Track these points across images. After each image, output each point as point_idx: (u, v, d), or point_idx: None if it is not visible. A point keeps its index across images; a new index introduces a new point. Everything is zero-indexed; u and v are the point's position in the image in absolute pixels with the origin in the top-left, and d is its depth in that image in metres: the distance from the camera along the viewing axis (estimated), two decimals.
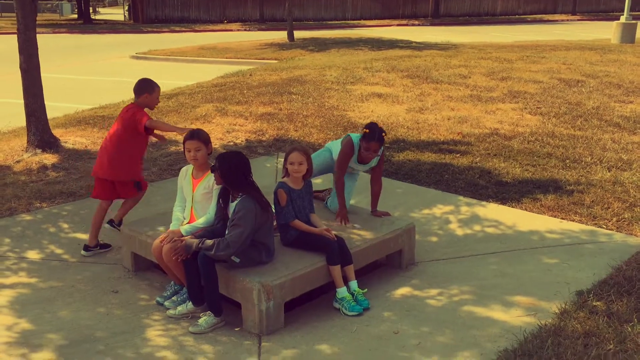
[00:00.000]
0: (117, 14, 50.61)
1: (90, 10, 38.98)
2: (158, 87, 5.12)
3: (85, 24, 35.08)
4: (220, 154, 4.07)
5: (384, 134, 4.71)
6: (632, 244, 5.00)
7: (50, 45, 21.41)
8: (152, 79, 5.16)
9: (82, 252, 5.09)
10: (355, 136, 4.85)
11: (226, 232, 4.00)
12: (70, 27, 32.02)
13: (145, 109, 5.08)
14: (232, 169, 3.98)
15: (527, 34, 25.58)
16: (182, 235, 4.22)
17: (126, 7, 44.23)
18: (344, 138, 4.93)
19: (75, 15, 43.61)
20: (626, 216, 5.54)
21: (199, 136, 4.40)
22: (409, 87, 11.34)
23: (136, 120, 4.92)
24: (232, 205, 4.05)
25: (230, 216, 4.03)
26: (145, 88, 5.02)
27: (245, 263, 4.03)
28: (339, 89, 11.20)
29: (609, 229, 5.34)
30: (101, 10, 57.35)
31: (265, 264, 4.12)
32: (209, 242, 3.93)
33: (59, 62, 16.55)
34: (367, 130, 4.67)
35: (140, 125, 4.91)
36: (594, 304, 3.96)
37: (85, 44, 23.80)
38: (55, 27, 31.34)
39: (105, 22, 38.21)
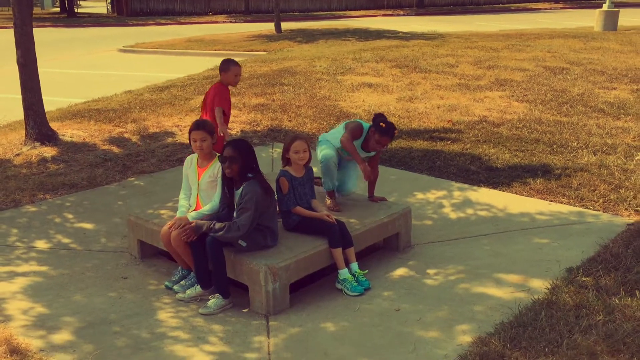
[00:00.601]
0: (99, 7, 50.13)
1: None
2: (235, 66, 5.68)
3: (69, 17, 34.84)
4: (230, 142, 4.23)
5: (396, 131, 4.90)
6: (618, 223, 5.24)
7: (37, 39, 21.28)
8: (230, 59, 5.77)
9: None
10: (365, 124, 5.00)
11: (234, 215, 4.17)
12: (54, 21, 31.79)
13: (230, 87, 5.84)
14: (248, 152, 4.18)
15: (512, 22, 25.85)
16: (189, 222, 4.39)
17: (109, 0, 43.93)
18: (348, 122, 5.08)
19: (58, 9, 43.24)
20: (612, 197, 5.78)
21: (204, 127, 4.56)
22: (398, 77, 11.52)
23: (213, 101, 5.59)
24: (237, 193, 4.22)
25: (236, 202, 4.20)
26: (222, 67, 5.67)
27: (251, 247, 4.20)
28: (330, 79, 11.36)
29: (596, 210, 5.57)
30: (82, 3, 56.66)
31: (270, 247, 4.30)
32: (218, 224, 4.11)
33: (47, 56, 16.49)
34: (384, 125, 4.80)
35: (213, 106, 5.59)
36: (583, 279, 4.19)
37: (71, 37, 23.70)
38: (38, 20, 31.07)
39: (89, 15, 37.94)
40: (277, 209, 4.66)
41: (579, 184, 6.14)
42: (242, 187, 4.17)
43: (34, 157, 7.05)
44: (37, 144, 7.31)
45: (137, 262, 4.96)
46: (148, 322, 4.01)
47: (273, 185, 4.57)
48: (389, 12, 34.61)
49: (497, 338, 3.53)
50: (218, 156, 4.43)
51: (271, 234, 4.29)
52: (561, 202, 5.77)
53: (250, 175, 4.17)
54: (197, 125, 4.58)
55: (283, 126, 8.51)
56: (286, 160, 4.63)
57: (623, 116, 8.76)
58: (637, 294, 3.93)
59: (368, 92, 10.40)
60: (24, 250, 5.02)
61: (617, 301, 3.86)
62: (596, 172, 6.44)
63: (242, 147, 4.18)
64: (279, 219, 4.65)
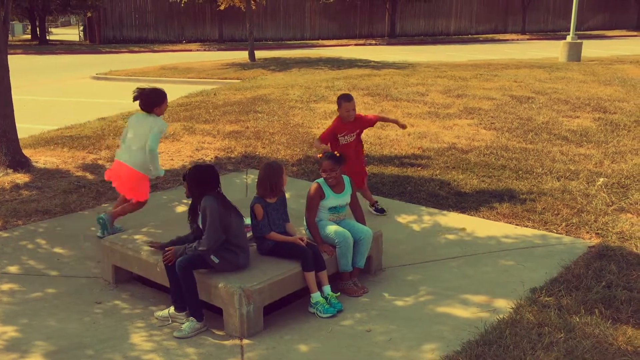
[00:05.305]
0: (71, 34, 50.08)
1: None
2: (344, 101, 6.06)
3: (41, 44, 34.70)
4: (193, 165, 4.42)
5: (337, 154, 4.97)
6: (579, 246, 5.46)
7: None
8: (343, 94, 6.25)
9: None
10: (319, 180, 5.00)
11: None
12: (25, 48, 31.64)
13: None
14: (197, 177, 4.37)
15: (480, 53, 26.57)
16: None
17: (81, 28, 43.87)
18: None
19: (29, 36, 43.08)
20: (574, 221, 6.01)
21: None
22: (370, 105, 11.78)
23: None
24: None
25: (200, 222, 4.35)
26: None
27: (223, 265, 4.31)
28: (303, 107, 11.56)
29: (559, 233, 5.79)
30: (54, 30, 56.47)
31: (242, 266, 4.38)
32: (192, 244, 4.28)
33: (18, 83, 16.41)
34: (320, 155, 4.99)
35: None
36: (546, 299, 4.36)
37: (43, 64, 23.61)
38: (9, 47, 30.84)
39: (61, 42, 37.85)
40: (251, 234, 4.78)
41: (543, 208, 6.36)
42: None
43: (6, 184, 7.04)
44: (10, 170, 7.30)
45: (112, 287, 4.98)
46: (122, 346, 4.04)
47: (246, 211, 4.69)
48: (361, 41, 35.24)
49: (463, 356, 3.65)
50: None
51: (242, 252, 4.39)
52: (526, 226, 5.98)
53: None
54: None
55: (257, 153, 8.64)
56: (269, 188, 4.68)
57: (585, 143, 9.10)
58: (597, 313, 4.12)
59: None
60: None
61: (577, 319, 4.03)
62: (559, 197, 6.69)
63: (196, 171, 4.40)
64: (253, 244, 4.75)
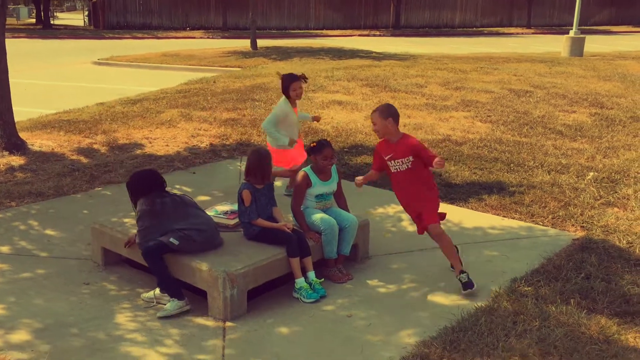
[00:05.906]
0: (76, 19, 50.05)
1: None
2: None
3: (45, 29, 34.72)
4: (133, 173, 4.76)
5: (328, 140, 5.09)
6: (563, 238, 5.52)
7: (11, 50, 21.17)
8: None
9: None
10: (306, 168, 5.04)
11: None
12: (29, 32, 31.68)
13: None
14: (134, 187, 4.59)
15: (483, 46, 26.50)
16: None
17: (86, 13, 43.88)
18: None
19: (33, 20, 43.08)
20: (560, 214, 6.06)
21: None
22: (367, 96, 11.82)
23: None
24: None
25: None
26: None
27: (185, 244, 4.43)
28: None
29: (545, 226, 5.85)
30: (59, 15, 56.49)
31: (200, 242, 4.46)
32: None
33: (19, 67, 16.49)
34: (315, 144, 4.99)
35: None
36: (525, 289, 4.43)
37: (45, 49, 23.66)
38: (13, 31, 30.92)
39: (65, 27, 37.86)
40: (238, 219, 4.86)
41: (531, 201, 6.42)
42: None
43: (1, 166, 7.12)
44: (6, 153, 7.38)
45: (100, 269, 5.06)
46: (106, 326, 4.13)
47: (233, 198, 4.76)
48: (365, 32, 35.16)
49: (439, 341, 3.73)
50: None
51: (196, 233, 4.46)
52: (513, 218, 6.04)
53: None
54: None
55: (252, 140, 8.70)
56: (258, 175, 4.74)
57: (579, 138, 9.13)
58: (572, 303, 4.19)
59: (337, 110, 10.65)
60: None
61: (553, 309, 4.11)
62: (548, 190, 6.74)
63: (132, 178, 4.63)
64: (240, 229, 4.83)
